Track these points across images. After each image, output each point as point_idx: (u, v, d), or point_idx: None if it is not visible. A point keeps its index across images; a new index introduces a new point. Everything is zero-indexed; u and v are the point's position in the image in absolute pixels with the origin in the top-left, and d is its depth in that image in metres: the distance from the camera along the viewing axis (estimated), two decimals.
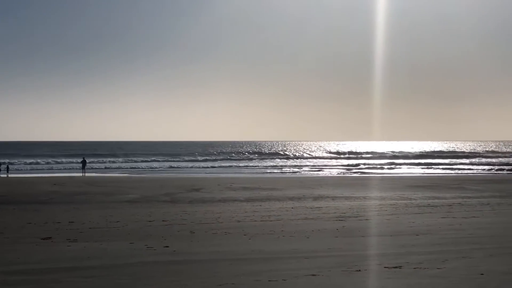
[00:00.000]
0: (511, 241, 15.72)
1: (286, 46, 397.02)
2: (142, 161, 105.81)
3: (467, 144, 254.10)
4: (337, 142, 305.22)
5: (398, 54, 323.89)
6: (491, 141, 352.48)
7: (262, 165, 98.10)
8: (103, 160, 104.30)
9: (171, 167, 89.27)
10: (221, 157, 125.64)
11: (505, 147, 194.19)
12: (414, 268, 11.98)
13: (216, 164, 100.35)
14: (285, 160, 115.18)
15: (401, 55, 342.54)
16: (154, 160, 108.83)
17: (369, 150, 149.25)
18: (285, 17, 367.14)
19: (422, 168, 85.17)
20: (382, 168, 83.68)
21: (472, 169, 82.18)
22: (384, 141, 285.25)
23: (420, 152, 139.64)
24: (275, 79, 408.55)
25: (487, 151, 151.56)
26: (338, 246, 15.31)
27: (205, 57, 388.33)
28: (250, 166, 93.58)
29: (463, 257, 13.20)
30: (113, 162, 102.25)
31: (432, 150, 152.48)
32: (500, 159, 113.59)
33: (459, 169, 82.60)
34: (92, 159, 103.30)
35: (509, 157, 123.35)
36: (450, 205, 28.14)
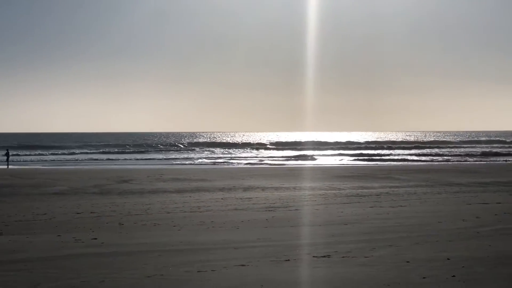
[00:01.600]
0: (436, 230, 16.11)
1: (217, 37, 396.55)
2: (71, 153, 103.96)
3: (395, 135, 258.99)
4: (268, 133, 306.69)
5: (329, 46, 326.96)
6: (419, 131, 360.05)
7: (193, 156, 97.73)
8: (29, 153, 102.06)
9: (100, 158, 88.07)
10: (152, 149, 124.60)
11: (434, 138, 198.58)
12: (343, 257, 12.17)
13: (146, 155, 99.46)
14: (215, 152, 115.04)
15: (332, 48, 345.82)
16: (83, 152, 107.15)
17: (300, 140, 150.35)
18: (217, 8, 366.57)
19: (352, 158, 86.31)
20: (313, 159, 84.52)
21: (399, 159, 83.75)
22: (315, 132, 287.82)
23: (349, 142, 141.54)
24: (206, 70, 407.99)
25: (414, 141, 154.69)
26: (268, 236, 15.41)
27: (138, 49, 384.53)
28: (181, 158, 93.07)
29: (390, 246, 13.47)
30: (40, 154, 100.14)
31: (361, 141, 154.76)
32: (427, 149, 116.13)
33: (387, 159, 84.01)
34: (17, 151, 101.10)
35: (435, 147, 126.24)
36: (378, 195, 28.62)
